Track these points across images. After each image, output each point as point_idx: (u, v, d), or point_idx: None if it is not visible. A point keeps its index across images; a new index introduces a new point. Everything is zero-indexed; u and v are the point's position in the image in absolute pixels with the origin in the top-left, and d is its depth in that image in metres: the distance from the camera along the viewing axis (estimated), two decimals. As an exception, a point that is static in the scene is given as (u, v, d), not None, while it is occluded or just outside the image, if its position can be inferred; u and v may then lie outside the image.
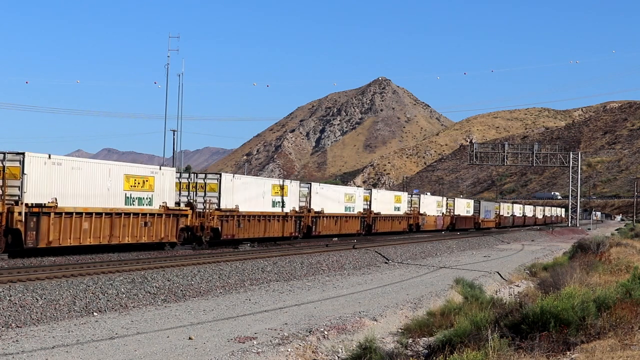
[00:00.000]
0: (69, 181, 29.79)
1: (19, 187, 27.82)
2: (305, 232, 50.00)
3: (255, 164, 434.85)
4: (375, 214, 61.78)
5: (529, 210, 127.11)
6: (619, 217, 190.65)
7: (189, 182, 39.47)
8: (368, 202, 61.33)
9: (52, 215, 28.62)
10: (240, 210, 40.77)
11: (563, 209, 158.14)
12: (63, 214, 29.07)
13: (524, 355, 12.28)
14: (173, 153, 71.32)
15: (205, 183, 39.50)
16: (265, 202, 43.96)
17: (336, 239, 53.31)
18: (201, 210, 38.14)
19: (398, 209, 67.58)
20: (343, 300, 21.75)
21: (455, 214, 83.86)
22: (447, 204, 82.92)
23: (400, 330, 18.14)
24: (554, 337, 13.20)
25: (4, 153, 27.99)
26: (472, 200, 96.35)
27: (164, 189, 35.30)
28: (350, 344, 15.73)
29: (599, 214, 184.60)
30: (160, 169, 35.75)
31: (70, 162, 30.41)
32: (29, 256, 28.68)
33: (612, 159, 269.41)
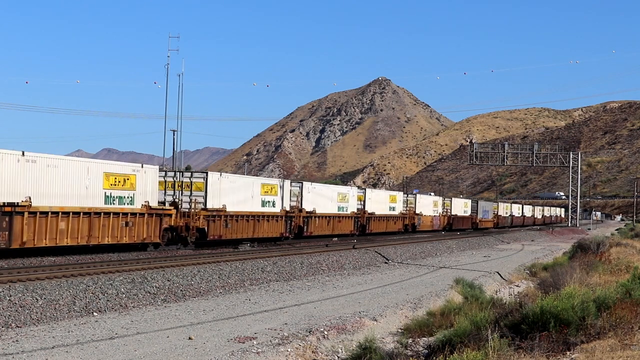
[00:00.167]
0: (44, 179, 28.62)
1: None
2: (297, 232, 48.73)
3: (255, 164, 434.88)
4: (369, 214, 60.62)
5: (527, 210, 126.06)
6: (619, 217, 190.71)
7: (174, 181, 38.31)
8: (362, 202, 60.19)
9: (26, 214, 27.48)
10: (227, 210, 39.63)
11: (563, 209, 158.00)
12: (38, 213, 27.91)
13: (524, 355, 12.28)
14: (173, 153, 71.31)
15: (191, 182, 38.38)
16: (255, 202, 42.82)
17: (336, 239, 53.19)
18: (187, 210, 37.11)
19: (393, 208, 66.39)
20: (343, 300, 21.75)
21: (453, 214, 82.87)
22: (444, 204, 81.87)
23: (400, 330, 18.14)
24: (554, 337, 13.20)
25: None
26: (470, 200, 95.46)
27: (146, 187, 34.08)
28: (350, 344, 15.73)
29: (599, 214, 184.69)
30: (142, 166, 34.42)
31: (46, 159, 29.04)
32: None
33: (612, 159, 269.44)
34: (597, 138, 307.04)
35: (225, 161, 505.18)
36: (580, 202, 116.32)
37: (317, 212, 50.90)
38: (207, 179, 38.42)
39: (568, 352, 12.60)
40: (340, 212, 55.18)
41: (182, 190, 38.06)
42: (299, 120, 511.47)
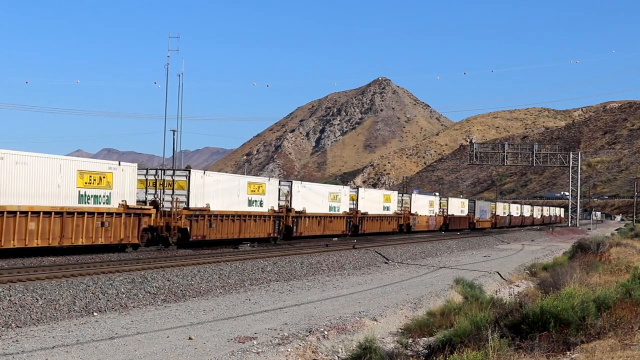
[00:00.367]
0: (12, 177, 27.33)
1: None
2: (285, 232, 47.04)
3: (255, 164, 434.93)
4: (362, 214, 59.02)
5: (526, 210, 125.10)
6: (618, 217, 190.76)
7: (156, 180, 37.14)
8: (355, 202, 58.58)
9: None
10: (212, 209, 38.29)
11: (562, 209, 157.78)
12: (5, 212, 26.71)
13: (524, 355, 12.28)
14: (173, 153, 71.40)
15: (173, 180, 37.07)
16: (241, 201, 41.39)
17: (336, 239, 53.10)
18: (168, 210, 35.87)
19: (387, 208, 64.86)
20: (343, 300, 21.75)
21: (449, 214, 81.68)
22: (440, 203, 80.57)
23: (400, 330, 18.14)
24: (554, 337, 13.20)
25: None
26: (467, 200, 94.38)
27: (123, 186, 32.74)
28: (350, 344, 15.73)
29: (599, 214, 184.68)
30: (119, 164, 33.06)
31: (14, 156, 27.75)
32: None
33: (612, 159, 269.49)
34: (597, 138, 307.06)
35: (225, 161, 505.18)
36: (580, 202, 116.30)
37: (307, 211, 49.44)
38: (189, 177, 37.22)
39: (568, 352, 12.60)
40: (331, 212, 53.71)
41: (163, 189, 36.95)
42: (299, 120, 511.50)
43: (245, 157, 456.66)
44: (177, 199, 36.39)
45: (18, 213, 27.37)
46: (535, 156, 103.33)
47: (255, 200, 42.95)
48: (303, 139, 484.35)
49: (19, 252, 28.36)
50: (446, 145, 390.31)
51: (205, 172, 39.81)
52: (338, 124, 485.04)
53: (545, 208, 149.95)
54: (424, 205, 74.84)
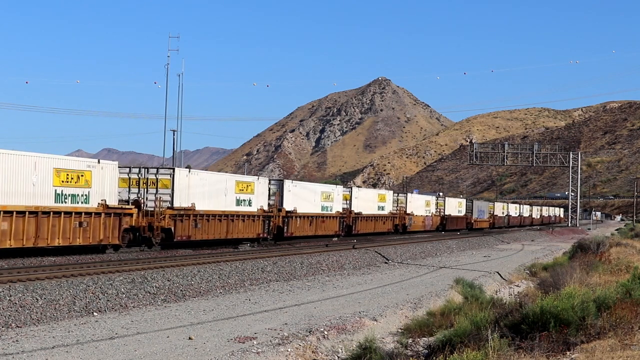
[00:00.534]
0: None
1: None
2: (276, 233, 45.78)
3: (255, 164, 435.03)
4: (356, 214, 57.75)
5: (525, 210, 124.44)
6: (619, 217, 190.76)
7: (139, 178, 36.08)
8: (348, 201, 57.27)
9: None
10: (197, 208, 37.31)
11: (562, 209, 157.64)
12: None
13: (524, 355, 12.28)
14: (173, 153, 71.45)
15: (157, 179, 36.00)
16: (228, 200, 40.27)
17: (336, 239, 53.07)
18: (151, 209, 34.86)
19: (382, 208, 63.64)
20: (343, 300, 21.75)
21: (446, 214, 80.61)
22: (437, 203, 79.49)
23: (400, 330, 18.15)
24: (554, 337, 13.20)
25: None
26: (464, 200, 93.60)
27: (103, 184, 31.60)
28: (350, 344, 15.74)
29: (599, 214, 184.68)
30: (98, 162, 31.94)
31: None
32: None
33: (612, 159, 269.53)
34: (597, 138, 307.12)
35: (225, 161, 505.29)
36: (580, 202, 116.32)
37: (298, 211, 48.12)
38: (174, 175, 36.20)
39: (568, 352, 12.60)
40: (324, 212, 52.43)
41: (147, 188, 35.89)
42: (299, 120, 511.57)
43: (245, 157, 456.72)
44: (160, 198, 35.37)
45: (-10, 212, 26.17)
46: (535, 156, 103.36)
47: (244, 200, 41.87)
48: (303, 139, 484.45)
49: None
50: (446, 145, 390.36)
51: (191, 170, 38.99)
52: (338, 124, 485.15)
53: (544, 208, 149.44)
54: (420, 205, 73.76)
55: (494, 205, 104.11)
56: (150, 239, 34.81)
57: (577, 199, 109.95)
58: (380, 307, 20.28)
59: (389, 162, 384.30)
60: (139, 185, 36.01)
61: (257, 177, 44.93)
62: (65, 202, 29.66)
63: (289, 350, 14.72)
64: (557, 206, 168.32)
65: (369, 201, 61.22)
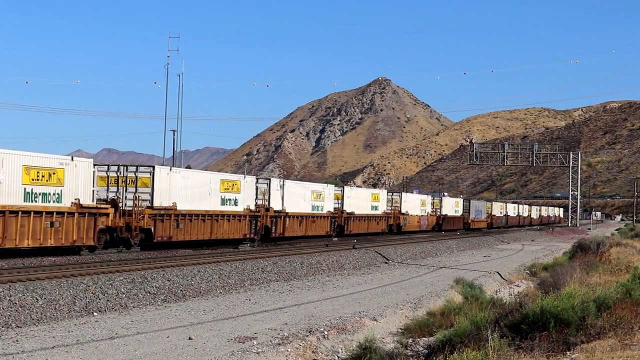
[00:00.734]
0: None
1: None
2: (264, 233, 44.21)
3: (255, 164, 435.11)
4: (348, 213, 56.24)
5: (524, 210, 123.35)
6: (619, 217, 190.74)
7: (118, 176, 34.88)
8: (340, 201, 55.78)
9: None
10: (179, 208, 36.02)
11: (561, 209, 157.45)
12: None
13: (524, 355, 12.28)
14: (173, 153, 71.44)
15: (136, 177, 34.81)
16: (213, 200, 39.05)
17: (336, 239, 53.01)
18: (130, 209, 33.67)
19: (376, 208, 62.17)
20: (343, 300, 21.76)
21: (442, 213, 79.15)
22: (433, 203, 77.95)
23: (400, 330, 18.15)
24: (554, 337, 13.20)
25: None
26: (461, 200, 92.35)
27: (77, 183, 30.21)
28: (350, 344, 15.74)
29: (599, 214, 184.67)
30: (72, 159, 30.60)
31: None
32: None
33: (612, 159, 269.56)
34: (597, 138, 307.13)
35: (225, 161, 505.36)
36: (580, 202, 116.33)
37: (287, 211, 46.61)
38: (154, 173, 34.94)
39: (568, 352, 12.60)
40: (314, 212, 50.92)
41: (126, 187, 34.71)
42: (299, 120, 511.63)
43: (245, 157, 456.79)
44: (139, 197, 34.05)
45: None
46: (535, 156, 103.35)
47: (229, 199, 40.59)
48: (303, 139, 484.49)
49: None
50: (446, 145, 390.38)
51: (172, 168, 37.85)
52: (338, 124, 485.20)
53: (543, 208, 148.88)
54: (415, 204, 72.32)
55: (491, 205, 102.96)
56: (128, 240, 33.56)
57: (577, 199, 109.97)
58: (381, 307, 20.28)
59: (389, 162, 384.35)
60: (117, 183, 34.85)
61: (243, 175, 43.76)
62: (36, 201, 28.28)
63: (289, 350, 14.73)
64: (557, 206, 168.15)
65: (361, 201, 59.93)
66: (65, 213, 29.45)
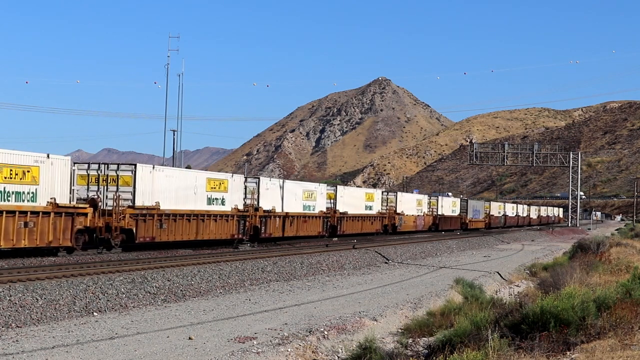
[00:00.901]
0: None
1: None
2: (253, 234, 42.92)
3: (255, 164, 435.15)
4: (341, 213, 55.14)
5: (523, 210, 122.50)
6: (619, 217, 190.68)
7: (98, 175, 33.81)
8: (332, 201, 54.67)
9: None
10: (162, 207, 34.98)
11: (561, 209, 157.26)
12: None
13: (524, 355, 12.28)
14: (173, 153, 71.44)
15: (117, 176, 33.78)
16: (198, 199, 38.04)
17: (336, 239, 52.94)
18: (111, 208, 32.55)
19: (370, 207, 61.06)
20: (343, 300, 21.76)
21: (439, 213, 77.99)
22: (429, 202, 76.80)
23: (400, 330, 18.15)
24: (554, 337, 13.20)
25: None
26: (459, 199, 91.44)
27: (53, 181, 29.10)
28: (350, 344, 15.74)
29: (599, 214, 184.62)
30: (48, 157, 29.27)
31: None
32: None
33: (612, 159, 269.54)
34: (597, 138, 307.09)
35: (225, 161, 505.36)
36: (580, 202, 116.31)
37: (276, 211, 45.63)
38: (136, 172, 33.91)
39: (568, 352, 12.60)
40: (305, 212, 49.77)
41: (107, 186, 33.65)
42: (299, 120, 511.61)
43: (245, 157, 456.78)
44: (120, 196, 32.99)
45: None
46: (535, 156, 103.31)
47: (216, 198, 39.58)
48: (303, 139, 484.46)
49: None
50: (446, 145, 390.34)
51: (155, 167, 36.63)
52: (338, 124, 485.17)
53: (542, 208, 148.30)
54: (411, 204, 71.06)
55: (490, 204, 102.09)
56: (108, 241, 32.52)
57: (577, 199, 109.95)
58: (381, 307, 20.28)
59: (389, 162, 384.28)
60: (98, 182, 33.75)
61: (231, 174, 42.80)
62: (9, 200, 27.25)
63: (289, 350, 14.73)
64: (557, 206, 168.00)
65: (355, 200, 58.78)
66: (40, 213, 28.38)
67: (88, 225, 31.30)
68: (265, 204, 44.49)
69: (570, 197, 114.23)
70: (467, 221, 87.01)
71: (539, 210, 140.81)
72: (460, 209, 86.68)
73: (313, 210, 51.23)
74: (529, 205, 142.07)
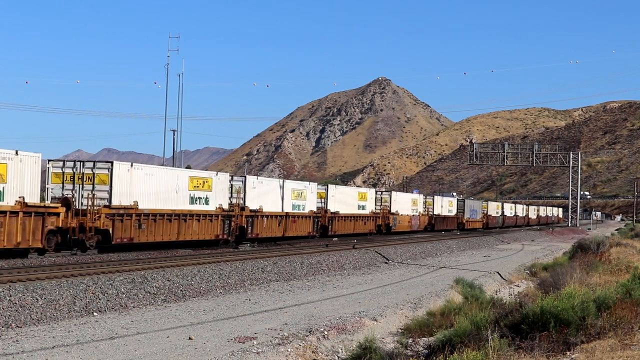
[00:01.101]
0: None
1: None
2: (238, 234, 41.77)
3: (255, 164, 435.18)
4: (332, 213, 53.85)
5: (521, 210, 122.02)
6: (619, 217, 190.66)
7: (74, 173, 32.64)
8: (324, 200, 53.45)
9: None
10: (141, 207, 33.82)
11: (560, 209, 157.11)
12: None
13: (524, 355, 12.28)
14: (173, 153, 71.45)
15: (93, 174, 32.62)
16: (180, 198, 36.87)
17: (336, 239, 52.91)
18: (85, 208, 31.33)
19: (363, 207, 59.85)
20: (343, 300, 21.76)
21: (435, 213, 76.75)
22: (425, 202, 75.56)
23: (400, 330, 18.15)
24: (554, 337, 13.20)
25: None
26: (455, 199, 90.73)
27: (22, 180, 27.78)
28: (350, 344, 15.74)
29: (599, 214, 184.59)
30: (17, 153, 27.85)
31: None
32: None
33: (612, 159, 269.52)
34: (597, 138, 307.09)
35: (225, 161, 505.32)
36: (580, 202, 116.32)
37: (264, 210, 44.17)
38: (112, 170, 32.76)
39: (568, 352, 12.61)
40: (295, 211, 48.63)
41: (82, 184, 32.46)
42: (299, 120, 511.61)
43: (245, 157, 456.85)
44: (95, 195, 31.79)
45: None
46: (535, 156, 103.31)
47: (200, 198, 38.49)
48: (303, 139, 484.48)
49: None
50: (446, 145, 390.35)
51: (134, 164, 34.96)
52: (338, 124, 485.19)
53: (542, 208, 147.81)
54: (405, 204, 69.62)
55: (487, 204, 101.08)
56: (83, 242, 31.29)
57: (577, 199, 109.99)
58: (381, 307, 20.28)
59: (389, 162, 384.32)
60: (73, 180, 32.57)
61: (215, 172, 41.46)
62: None
63: (289, 350, 14.73)
64: (557, 206, 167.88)
65: (347, 199, 57.51)
66: (8, 212, 27.06)
67: (60, 225, 29.97)
68: (252, 204, 43.36)
69: (570, 197, 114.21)
70: (464, 221, 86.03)
71: (538, 210, 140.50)
72: (457, 208, 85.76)
73: (303, 209, 50.00)
74: (527, 205, 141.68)
